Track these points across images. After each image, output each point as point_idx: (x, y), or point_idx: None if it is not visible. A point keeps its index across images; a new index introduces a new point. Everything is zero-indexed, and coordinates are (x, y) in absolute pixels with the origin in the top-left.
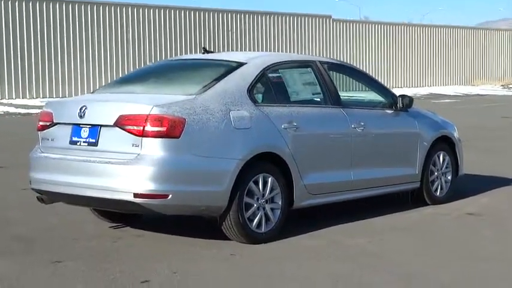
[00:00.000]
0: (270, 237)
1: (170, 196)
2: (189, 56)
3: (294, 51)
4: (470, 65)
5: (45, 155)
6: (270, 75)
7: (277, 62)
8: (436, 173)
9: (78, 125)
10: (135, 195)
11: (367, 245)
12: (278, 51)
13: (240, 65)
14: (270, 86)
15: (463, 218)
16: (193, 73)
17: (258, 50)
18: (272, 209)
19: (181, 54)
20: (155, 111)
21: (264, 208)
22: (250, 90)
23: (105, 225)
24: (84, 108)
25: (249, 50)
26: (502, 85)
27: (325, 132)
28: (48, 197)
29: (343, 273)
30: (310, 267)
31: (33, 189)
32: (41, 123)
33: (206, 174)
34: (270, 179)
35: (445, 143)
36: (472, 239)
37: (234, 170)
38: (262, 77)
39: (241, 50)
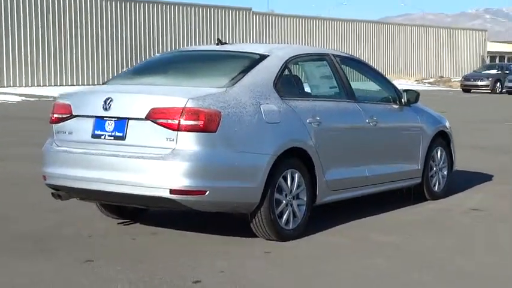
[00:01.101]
0: (298, 234)
1: (207, 192)
2: (205, 47)
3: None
4: (382, 60)
5: (63, 149)
6: (292, 67)
7: (298, 55)
8: (434, 168)
9: (102, 117)
10: (172, 191)
11: (398, 242)
12: (197, 44)
13: (263, 57)
14: (292, 79)
15: (471, 213)
16: (216, 65)
17: (178, 43)
18: (298, 205)
19: None
20: (191, 104)
21: (291, 204)
22: (276, 83)
23: (112, 221)
24: (109, 101)
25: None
26: (416, 80)
27: (345, 127)
28: (66, 193)
29: (388, 271)
30: (351, 264)
31: (48, 185)
32: (55, 115)
33: (241, 170)
34: (296, 175)
35: (442, 138)
36: (491, 234)
37: (266, 165)
38: (285, 69)
39: (159, 42)
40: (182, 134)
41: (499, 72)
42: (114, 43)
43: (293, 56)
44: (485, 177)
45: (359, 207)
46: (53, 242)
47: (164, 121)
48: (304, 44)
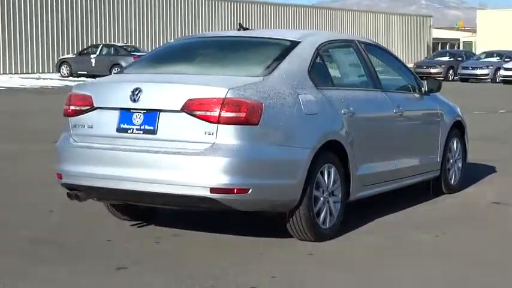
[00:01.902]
0: (333, 233)
1: (250, 190)
2: (228, 33)
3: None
4: None
5: (83, 144)
6: (323, 55)
7: (328, 41)
8: (451, 160)
9: (129, 109)
10: (212, 189)
11: (438, 240)
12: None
13: (295, 43)
14: (324, 67)
15: (495, 207)
16: (246, 52)
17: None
18: (334, 203)
19: None
20: (231, 94)
21: (328, 202)
22: (310, 71)
23: (124, 224)
24: (138, 91)
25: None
26: None
27: (375, 117)
28: (85, 193)
29: (454, 273)
30: (406, 266)
31: (65, 184)
32: (72, 107)
33: (283, 166)
34: (332, 170)
35: (457, 129)
36: None
37: (307, 160)
38: (317, 57)
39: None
40: (223, 127)
41: (452, 59)
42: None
43: (324, 43)
44: (487, 169)
45: (376, 204)
46: (70, 247)
47: (202, 113)
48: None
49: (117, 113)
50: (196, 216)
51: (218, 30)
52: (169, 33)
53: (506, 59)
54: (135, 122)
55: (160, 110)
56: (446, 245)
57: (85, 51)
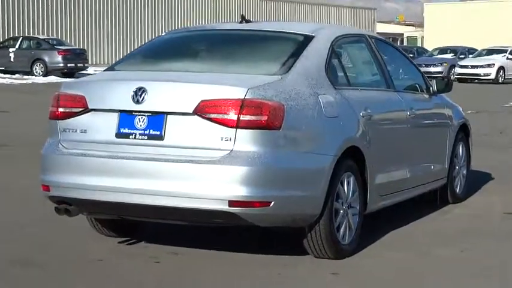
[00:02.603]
0: (352, 249)
1: (273, 203)
2: (233, 26)
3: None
4: None
5: (76, 151)
6: (337, 51)
7: (342, 35)
8: (457, 167)
9: (130, 112)
10: (232, 203)
11: (464, 255)
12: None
13: (309, 38)
14: (340, 64)
15: (509, 218)
16: (257, 47)
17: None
18: (353, 215)
19: None
20: (251, 95)
21: (347, 214)
22: (327, 69)
23: (112, 240)
24: (141, 91)
25: None
26: None
27: (392, 120)
28: (77, 208)
29: None
30: (440, 286)
31: (54, 197)
32: (61, 109)
33: (306, 175)
34: (352, 179)
35: (463, 132)
36: None
37: (329, 168)
38: (332, 53)
39: None
40: (242, 132)
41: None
42: None
43: (338, 37)
44: (483, 176)
45: (383, 215)
46: (63, 270)
47: (218, 116)
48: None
49: (116, 116)
50: (191, 231)
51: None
52: (98, 26)
53: (461, 56)
54: (138, 126)
55: (167, 113)
56: (477, 262)
57: (2, 45)
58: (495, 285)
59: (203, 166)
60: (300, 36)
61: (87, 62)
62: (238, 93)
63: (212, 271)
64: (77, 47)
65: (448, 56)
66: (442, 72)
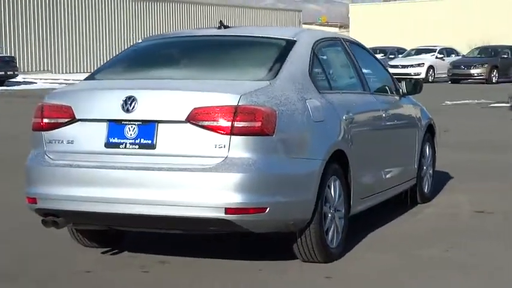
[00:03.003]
0: (339, 252)
1: (268, 209)
2: (213, 32)
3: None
4: None
5: (63, 162)
6: (318, 55)
7: (321, 39)
8: (425, 167)
9: (120, 121)
10: (228, 210)
11: (450, 255)
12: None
13: (291, 42)
14: (321, 68)
15: (481, 216)
16: (241, 53)
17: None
18: (339, 219)
19: None
20: (244, 101)
21: (334, 218)
22: (311, 73)
23: (95, 251)
24: (131, 100)
25: None
26: None
27: (370, 123)
28: (66, 219)
29: None
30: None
31: (41, 209)
32: (46, 120)
33: (298, 180)
34: (337, 183)
35: (429, 133)
36: None
37: (318, 172)
38: (314, 57)
39: None
40: (236, 139)
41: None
42: None
43: (317, 41)
44: (442, 175)
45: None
46: (49, 283)
47: (212, 123)
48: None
49: (104, 126)
50: (172, 239)
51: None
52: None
53: (390, 56)
54: (128, 135)
55: (158, 121)
56: (463, 261)
57: None
58: (485, 283)
59: (198, 174)
60: (282, 41)
61: (17, 70)
62: (231, 100)
63: (206, 278)
64: (5, 54)
65: (378, 56)
66: None
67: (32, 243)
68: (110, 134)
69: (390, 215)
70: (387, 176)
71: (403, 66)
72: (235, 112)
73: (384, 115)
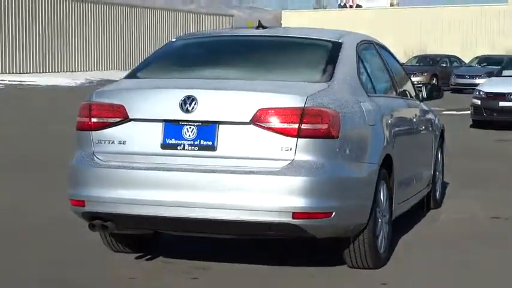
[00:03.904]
0: (386, 257)
1: (333, 214)
2: (256, 32)
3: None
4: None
5: (114, 163)
6: (361, 57)
7: (362, 41)
8: (437, 173)
9: (176, 122)
10: (295, 215)
11: (474, 258)
12: None
13: (338, 45)
14: (366, 72)
15: (499, 222)
16: (289, 54)
17: None
18: (386, 223)
19: None
20: (311, 103)
21: (382, 223)
22: (359, 76)
23: (129, 257)
24: (191, 100)
25: None
26: None
27: (406, 127)
28: (117, 223)
29: None
30: None
31: (89, 213)
32: (95, 119)
33: (358, 184)
34: (384, 187)
35: (441, 139)
36: None
37: (375, 177)
38: (359, 59)
39: None
40: (303, 142)
41: None
42: None
43: (359, 43)
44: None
45: None
46: None
47: (278, 125)
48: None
49: (160, 126)
50: (202, 244)
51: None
52: None
53: None
54: (186, 136)
55: (219, 122)
56: (481, 265)
57: None
58: None
59: (263, 177)
60: (329, 43)
61: None
62: (297, 101)
63: (253, 285)
64: None
65: None
66: None
67: (55, 247)
68: (167, 134)
69: (408, 221)
70: (416, 181)
71: None
72: (303, 114)
73: (414, 120)
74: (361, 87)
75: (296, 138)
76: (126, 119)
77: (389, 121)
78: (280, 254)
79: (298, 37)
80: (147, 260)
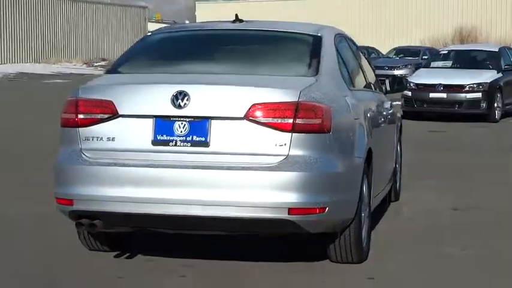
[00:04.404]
0: (367, 251)
1: (327, 209)
2: (231, 26)
3: None
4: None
5: (103, 161)
6: (338, 51)
7: (336, 34)
8: (397, 166)
9: (168, 117)
10: (291, 210)
11: (470, 253)
12: None
13: (318, 38)
14: (344, 65)
15: (461, 215)
16: (272, 48)
17: None
18: (366, 218)
19: None
20: (305, 97)
21: (366, 217)
22: (340, 70)
23: (102, 255)
24: (183, 95)
25: None
26: (85, 63)
27: (380, 121)
28: (106, 221)
29: None
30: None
31: (77, 211)
32: (82, 116)
33: (348, 178)
34: (366, 182)
35: (399, 131)
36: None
37: (361, 171)
38: (337, 53)
39: None
40: (297, 136)
41: None
42: None
43: (335, 36)
44: None
45: None
46: None
47: (273, 120)
48: None
49: (150, 122)
50: (178, 240)
51: None
52: None
53: None
54: (178, 132)
55: (212, 118)
56: (488, 259)
57: None
58: None
59: (258, 173)
60: (309, 37)
61: None
62: (292, 95)
63: (250, 282)
64: None
65: None
66: None
67: (50, 250)
68: (158, 130)
69: (373, 215)
70: (387, 174)
71: None
72: (297, 108)
73: (384, 113)
74: (342, 81)
75: (290, 133)
76: (115, 115)
77: (368, 114)
78: (268, 250)
79: (279, 31)
80: (126, 258)
